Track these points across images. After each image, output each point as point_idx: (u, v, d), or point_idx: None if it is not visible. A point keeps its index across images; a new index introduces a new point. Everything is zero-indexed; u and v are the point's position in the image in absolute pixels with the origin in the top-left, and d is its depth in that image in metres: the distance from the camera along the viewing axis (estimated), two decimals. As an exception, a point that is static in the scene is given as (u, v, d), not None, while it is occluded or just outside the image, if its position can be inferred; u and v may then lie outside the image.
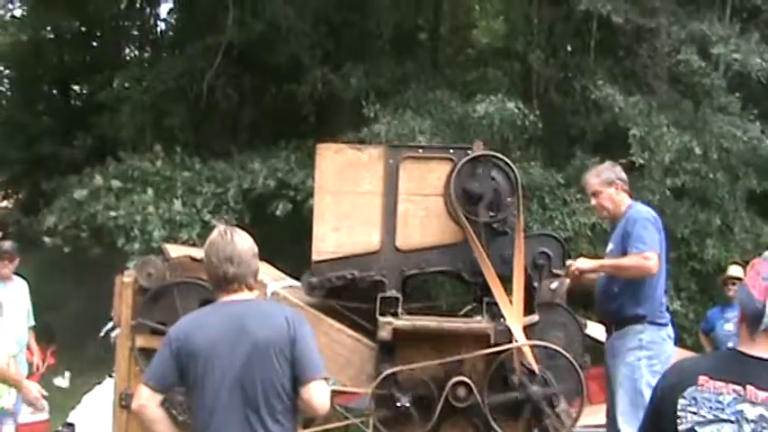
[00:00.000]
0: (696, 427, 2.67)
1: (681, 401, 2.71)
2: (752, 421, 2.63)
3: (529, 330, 4.65)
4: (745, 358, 2.72)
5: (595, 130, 13.55)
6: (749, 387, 2.65)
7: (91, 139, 17.45)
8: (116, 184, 12.46)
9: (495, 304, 4.66)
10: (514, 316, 4.60)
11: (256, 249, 3.82)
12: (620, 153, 12.43)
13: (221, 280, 3.71)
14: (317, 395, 3.61)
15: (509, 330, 4.57)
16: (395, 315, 4.66)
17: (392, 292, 4.77)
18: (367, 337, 4.76)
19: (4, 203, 21.83)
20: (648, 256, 5.28)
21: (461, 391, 4.52)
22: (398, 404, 4.51)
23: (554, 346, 4.62)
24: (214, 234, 3.83)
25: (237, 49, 15.07)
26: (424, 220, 4.89)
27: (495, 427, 4.52)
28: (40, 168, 17.93)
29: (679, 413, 2.70)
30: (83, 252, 12.95)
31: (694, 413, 2.68)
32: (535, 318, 4.75)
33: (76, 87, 21.62)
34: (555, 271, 4.93)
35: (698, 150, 11.70)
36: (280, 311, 3.78)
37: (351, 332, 4.78)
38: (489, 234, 4.81)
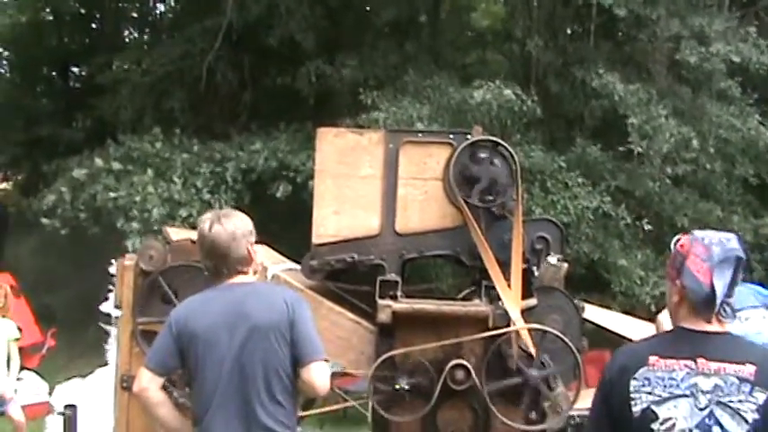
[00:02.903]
0: (652, 406, 2.71)
1: (633, 383, 2.75)
2: (707, 392, 2.67)
3: (527, 314, 4.67)
4: (692, 333, 2.77)
5: (594, 115, 13.55)
6: (700, 360, 2.69)
7: (90, 121, 17.50)
8: (116, 166, 12.46)
9: (494, 288, 4.68)
10: (513, 299, 4.62)
11: (252, 226, 3.83)
12: (618, 139, 12.45)
13: (222, 259, 3.72)
14: (318, 376, 3.64)
15: (507, 314, 4.60)
16: (394, 298, 4.67)
17: (391, 276, 4.78)
18: (366, 320, 4.78)
19: (4, 185, 21.83)
20: None
21: (460, 374, 4.54)
22: (397, 387, 4.54)
23: (552, 330, 4.65)
24: (209, 214, 3.84)
25: (237, 31, 15.05)
26: (424, 204, 4.90)
27: (493, 409, 4.55)
28: (39, 150, 17.95)
29: (632, 395, 2.74)
30: (82, 233, 12.96)
31: (649, 393, 2.72)
32: (533, 301, 4.77)
33: (76, 69, 21.60)
34: (553, 255, 4.94)
35: (695, 143, 11.70)
36: (279, 294, 3.81)
37: (350, 315, 4.80)
38: (488, 218, 4.82)
